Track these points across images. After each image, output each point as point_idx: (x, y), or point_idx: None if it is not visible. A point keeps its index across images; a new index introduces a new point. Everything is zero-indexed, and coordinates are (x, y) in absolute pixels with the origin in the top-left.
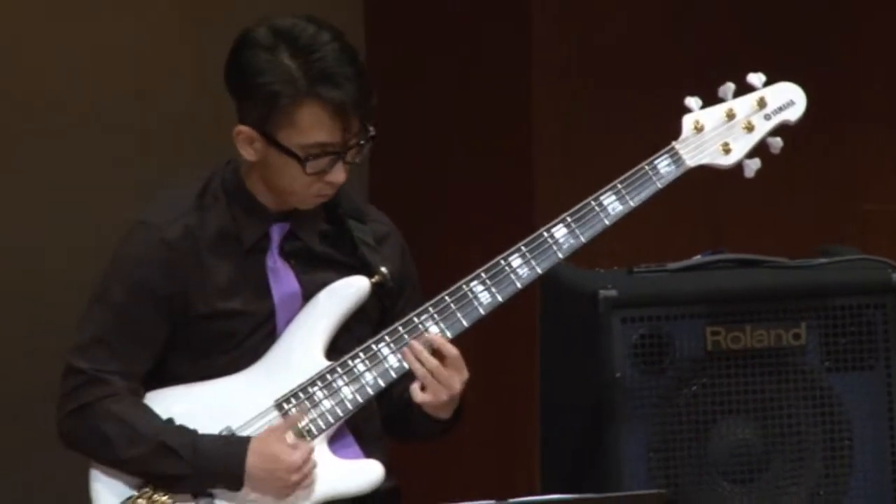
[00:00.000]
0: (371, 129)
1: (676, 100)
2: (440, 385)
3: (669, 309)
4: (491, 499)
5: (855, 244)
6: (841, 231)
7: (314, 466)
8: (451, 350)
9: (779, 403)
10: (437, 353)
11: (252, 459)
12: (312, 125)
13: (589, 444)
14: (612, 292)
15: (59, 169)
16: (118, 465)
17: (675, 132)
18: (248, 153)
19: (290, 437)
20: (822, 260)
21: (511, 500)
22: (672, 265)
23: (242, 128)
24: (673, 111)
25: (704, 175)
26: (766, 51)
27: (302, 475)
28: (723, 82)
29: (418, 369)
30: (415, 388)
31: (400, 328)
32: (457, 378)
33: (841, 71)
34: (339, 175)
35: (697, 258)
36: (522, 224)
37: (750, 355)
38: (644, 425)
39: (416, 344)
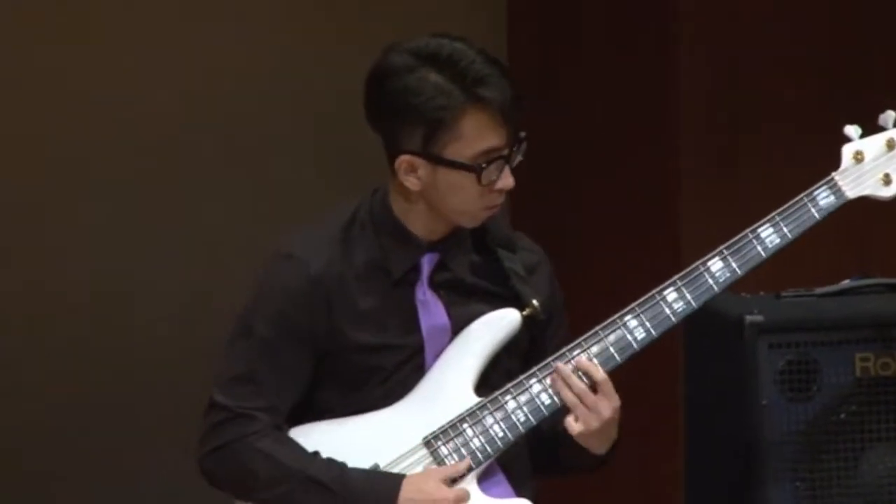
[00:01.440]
0: (521, 132)
1: (830, 130)
2: (590, 412)
3: (817, 334)
4: None
5: None
6: None
7: (467, 499)
8: (600, 374)
9: None
10: (585, 377)
11: (405, 495)
12: (478, 132)
13: (735, 474)
14: (759, 317)
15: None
16: (264, 503)
17: (830, 162)
18: (410, 182)
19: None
20: None
21: None
22: (820, 290)
23: (404, 157)
24: (825, 142)
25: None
26: None
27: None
28: (882, 110)
29: (567, 395)
30: (569, 419)
31: (553, 363)
32: (606, 403)
33: None
34: (507, 180)
35: (846, 283)
36: (668, 254)
37: None
38: (791, 454)
39: (564, 368)
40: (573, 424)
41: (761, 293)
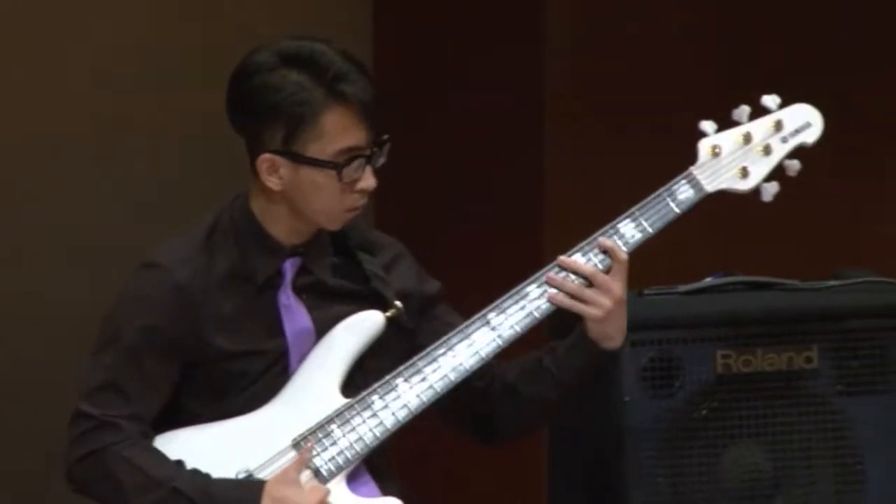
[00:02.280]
0: (384, 134)
1: (691, 122)
2: (599, 293)
3: (679, 332)
4: None
5: (870, 267)
6: (855, 254)
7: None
8: (588, 268)
9: (790, 428)
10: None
11: (266, 502)
12: (339, 130)
13: (597, 468)
14: None
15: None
16: None
17: (690, 156)
18: (272, 183)
19: (306, 476)
20: (835, 282)
21: None
22: (682, 287)
23: (265, 156)
24: (686, 134)
25: (716, 196)
26: (783, 71)
27: None
28: (737, 104)
29: (570, 286)
30: (586, 310)
31: (419, 363)
32: (615, 283)
33: (862, 91)
34: (369, 181)
35: (708, 280)
36: (530, 249)
37: (761, 379)
38: (653, 449)
39: (553, 276)
40: (590, 310)
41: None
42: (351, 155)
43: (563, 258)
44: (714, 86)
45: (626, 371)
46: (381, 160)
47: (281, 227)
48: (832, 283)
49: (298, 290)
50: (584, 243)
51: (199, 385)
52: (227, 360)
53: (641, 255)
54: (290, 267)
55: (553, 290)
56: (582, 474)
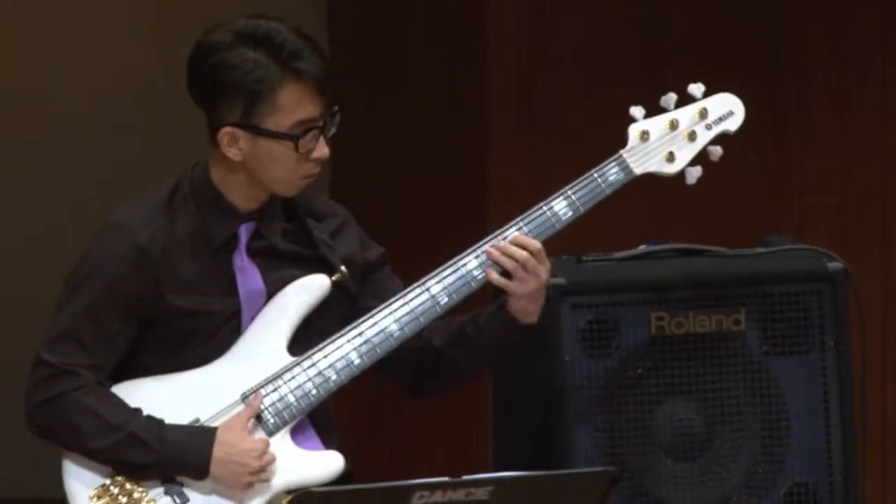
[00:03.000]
0: (335, 105)
1: (629, 99)
2: (528, 275)
3: (616, 296)
4: (444, 476)
5: (793, 235)
6: (780, 222)
7: (276, 459)
8: (535, 244)
9: (720, 385)
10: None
11: (217, 448)
12: (295, 103)
13: (540, 424)
14: (562, 280)
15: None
16: (89, 455)
17: (623, 136)
18: (233, 154)
19: (252, 427)
20: (761, 249)
21: (465, 477)
22: (618, 254)
23: (225, 129)
24: (625, 111)
25: (650, 176)
26: (709, 51)
27: (263, 462)
28: (671, 83)
29: (508, 263)
30: (510, 284)
31: (362, 325)
32: (542, 268)
33: (784, 67)
34: (323, 150)
35: (643, 248)
36: (476, 223)
37: (692, 340)
38: (592, 406)
39: (500, 243)
40: (518, 287)
41: (564, 257)
42: (306, 127)
43: (502, 243)
44: (644, 74)
45: (567, 332)
46: (333, 130)
47: (238, 194)
48: (758, 250)
49: (252, 254)
50: (518, 219)
51: (155, 340)
52: (184, 317)
53: (582, 224)
54: (245, 231)
55: (489, 265)
56: (526, 429)
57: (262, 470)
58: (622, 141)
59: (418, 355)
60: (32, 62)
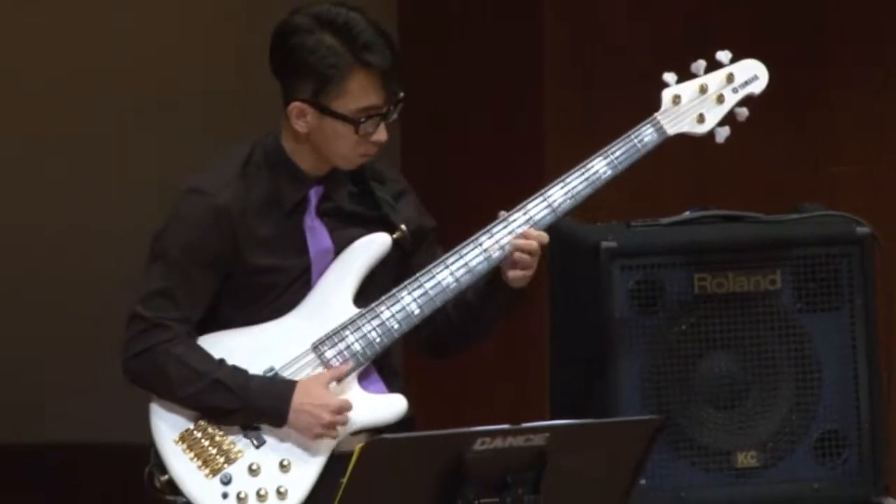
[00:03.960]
0: (401, 93)
1: (657, 77)
2: (535, 262)
3: (662, 258)
4: (504, 423)
5: (825, 202)
6: (812, 189)
7: (349, 407)
8: (545, 238)
9: (757, 340)
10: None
11: (297, 399)
12: (362, 90)
13: (592, 376)
14: (612, 243)
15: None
16: (177, 401)
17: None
18: (300, 126)
19: (333, 385)
20: (795, 215)
21: (523, 425)
22: (664, 220)
23: (296, 104)
24: (655, 87)
25: (693, 142)
26: (742, 22)
27: (335, 418)
28: (696, 59)
29: (521, 242)
30: (511, 271)
31: (420, 278)
32: (534, 260)
33: (813, 40)
34: (382, 134)
35: (686, 214)
36: (533, 188)
37: (732, 298)
38: (640, 359)
39: (527, 231)
40: (520, 275)
41: (614, 222)
42: (368, 113)
43: (526, 231)
44: (679, 43)
45: (617, 291)
46: (394, 116)
47: (306, 162)
48: (792, 216)
49: (321, 214)
50: (525, 203)
51: (234, 295)
52: (259, 273)
53: (630, 190)
54: (314, 194)
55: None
56: (580, 380)
57: (333, 425)
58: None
59: (430, 321)
60: (73, 57)
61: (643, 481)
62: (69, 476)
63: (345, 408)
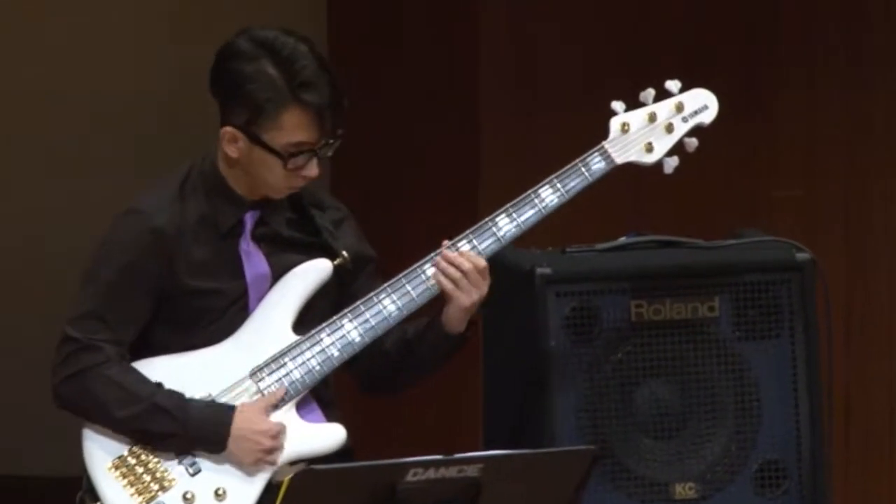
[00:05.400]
0: (340, 130)
1: (609, 101)
2: (471, 286)
3: (598, 284)
4: (437, 454)
5: (764, 227)
6: (751, 214)
7: (285, 432)
8: (481, 262)
9: (695, 368)
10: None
11: (236, 424)
12: (294, 127)
13: (526, 405)
14: (547, 270)
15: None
16: (112, 425)
17: (604, 132)
18: (231, 151)
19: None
20: (733, 241)
21: (457, 455)
22: (600, 245)
23: (228, 129)
24: (606, 111)
25: (630, 166)
26: (686, 50)
27: (275, 443)
28: (647, 85)
29: (453, 272)
30: (454, 293)
31: (361, 306)
32: (484, 284)
33: (756, 66)
34: (312, 170)
35: (623, 239)
36: (468, 214)
37: (669, 325)
38: (575, 388)
39: (449, 252)
40: (461, 298)
41: (549, 249)
42: (299, 149)
43: (447, 253)
44: (624, 71)
45: (552, 319)
46: (329, 153)
47: (241, 185)
48: (731, 241)
49: (257, 239)
50: (470, 231)
51: (168, 318)
52: (196, 296)
53: (565, 216)
54: (250, 218)
55: (438, 272)
56: (513, 410)
57: (273, 450)
58: (604, 134)
59: (373, 354)
60: (46, 62)
61: None
62: None
63: (281, 429)
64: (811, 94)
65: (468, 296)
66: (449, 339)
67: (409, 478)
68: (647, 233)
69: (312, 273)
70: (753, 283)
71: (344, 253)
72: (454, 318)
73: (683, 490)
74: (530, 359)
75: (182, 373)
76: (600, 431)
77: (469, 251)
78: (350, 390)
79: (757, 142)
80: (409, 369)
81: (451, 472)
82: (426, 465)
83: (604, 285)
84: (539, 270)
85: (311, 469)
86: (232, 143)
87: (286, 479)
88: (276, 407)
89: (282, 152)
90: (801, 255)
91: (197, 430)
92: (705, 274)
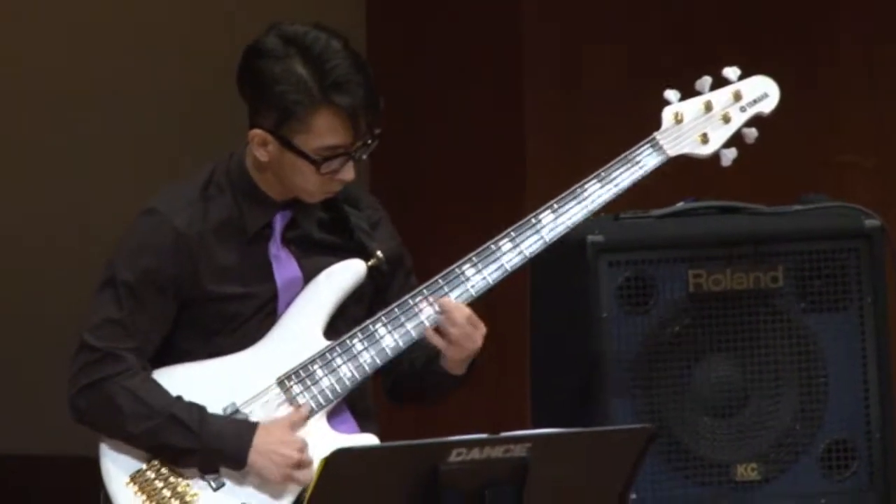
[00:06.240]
0: (376, 130)
1: (661, 91)
2: (468, 341)
3: (653, 253)
4: (483, 432)
5: (831, 194)
6: (818, 182)
7: (315, 437)
8: (466, 311)
9: (757, 343)
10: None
11: (257, 438)
12: (327, 130)
13: (577, 382)
14: (600, 237)
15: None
16: (129, 439)
17: (658, 123)
18: (261, 154)
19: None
20: (798, 207)
21: (503, 434)
22: (656, 211)
23: (257, 131)
24: (660, 102)
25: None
26: (745, 29)
27: (305, 455)
28: (700, 75)
29: (453, 331)
30: (446, 347)
31: (396, 310)
32: (478, 334)
33: (820, 29)
34: (348, 173)
35: (680, 205)
36: (512, 211)
37: (730, 297)
38: (629, 363)
39: (446, 303)
40: (455, 353)
41: (602, 215)
42: (333, 153)
43: (443, 300)
44: (680, 57)
45: (604, 290)
46: (364, 156)
47: (272, 186)
48: (796, 207)
49: (287, 242)
50: (512, 229)
51: (192, 324)
52: (220, 302)
53: None
54: (280, 220)
55: (431, 323)
56: (564, 387)
57: (302, 464)
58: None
59: (398, 363)
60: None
61: (633, 496)
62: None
63: (304, 446)
64: (879, 56)
65: (459, 349)
66: (450, 378)
67: (452, 458)
68: (707, 198)
69: (345, 275)
70: (819, 251)
71: (379, 253)
72: (452, 364)
73: (745, 471)
74: (581, 333)
75: (206, 382)
76: (656, 409)
77: (446, 301)
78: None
79: (823, 107)
80: (428, 387)
81: (497, 452)
82: (470, 445)
83: (660, 254)
84: (591, 238)
85: (347, 448)
86: (261, 146)
87: (320, 460)
88: (304, 419)
89: (314, 157)
90: (871, 222)
91: (216, 444)
92: (768, 241)
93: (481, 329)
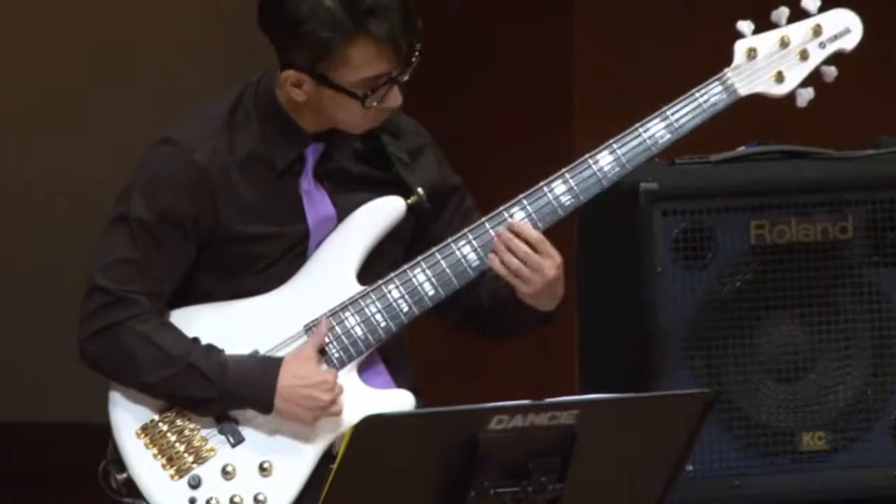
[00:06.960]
0: (418, 45)
1: (725, 27)
2: (534, 273)
3: (712, 202)
4: (527, 398)
5: None
6: (892, 124)
7: (344, 392)
8: (534, 234)
9: (825, 300)
10: (521, 239)
11: (282, 380)
12: (366, 61)
13: (629, 342)
14: (653, 185)
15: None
16: (143, 388)
17: (726, 60)
18: (296, 94)
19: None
20: (870, 151)
21: (548, 400)
22: (715, 156)
23: (290, 73)
24: (723, 39)
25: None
26: None
27: (334, 395)
28: (776, 7)
29: (510, 259)
30: (518, 283)
31: (437, 254)
32: (550, 262)
33: None
34: (395, 99)
35: (741, 149)
36: (562, 156)
37: (795, 249)
38: (686, 322)
39: (504, 232)
40: (522, 286)
41: (655, 160)
42: (376, 83)
43: (506, 234)
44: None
45: (658, 241)
46: (407, 77)
47: (305, 118)
48: (868, 151)
49: (320, 177)
50: (566, 170)
51: (213, 264)
52: (247, 242)
53: None
54: (312, 153)
55: (493, 254)
56: (614, 348)
57: (332, 404)
58: (727, 60)
59: (471, 302)
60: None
61: (690, 467)
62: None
63: (336, 381)
64: None
65: (529, 284)
66: (533, 314)
67: (493, 426)
68: (770, 142)
69: (382, 213)
70: (893, 200)
71: (420, 190)
72: (534, 301)
73: (812, 440)
74: (633, 288)
75: (227, 326)
76: (714, 372)
77: (524, 224)
78: (428, 345)
79: None
80: (503, 325)
81: (542, 419)
82: (513, 412)
83: (719, 203)
84: (644, 186)
85: (378, 415)
86: (296, 86)
87: (350, 426)
88: (331, 365)
89: (356, 91)
90: None
91: (238, 392)
92: (837, 189)
93: (555, 259)
